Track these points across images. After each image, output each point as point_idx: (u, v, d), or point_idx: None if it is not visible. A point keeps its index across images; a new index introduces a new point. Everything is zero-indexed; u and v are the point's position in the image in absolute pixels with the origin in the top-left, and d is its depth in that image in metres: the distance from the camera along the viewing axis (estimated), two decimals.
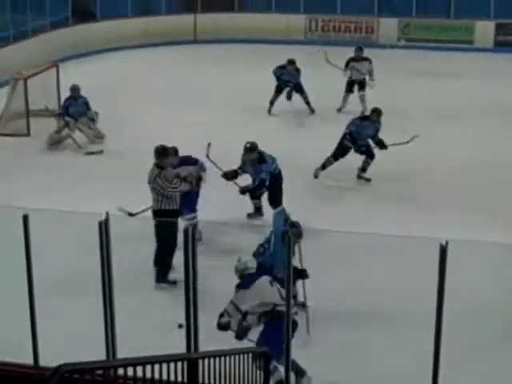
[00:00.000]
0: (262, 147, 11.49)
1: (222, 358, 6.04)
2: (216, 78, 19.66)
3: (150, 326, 8.57)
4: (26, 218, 6.60)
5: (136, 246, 10.10)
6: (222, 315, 7.71)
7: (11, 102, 16.63)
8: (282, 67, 17.10)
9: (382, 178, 13.17)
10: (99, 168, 14.02)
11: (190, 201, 10.69)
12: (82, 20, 23.69)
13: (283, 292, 6.95)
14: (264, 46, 23.03)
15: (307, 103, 17.21)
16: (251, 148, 11.45)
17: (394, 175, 13.30)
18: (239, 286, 7.82)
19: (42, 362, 6.75)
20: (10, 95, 16.72)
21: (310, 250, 8.65)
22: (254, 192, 11.62)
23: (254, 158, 11.43)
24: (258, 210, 11.93)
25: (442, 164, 13.75)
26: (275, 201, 11.28)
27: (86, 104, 15.45)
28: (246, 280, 7.83)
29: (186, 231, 6.18)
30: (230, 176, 11.49)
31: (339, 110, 17.19)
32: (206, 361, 5.87)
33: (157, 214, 9.99)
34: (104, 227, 6.47)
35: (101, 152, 15.01)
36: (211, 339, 6.65)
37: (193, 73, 20.22)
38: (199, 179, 10.63)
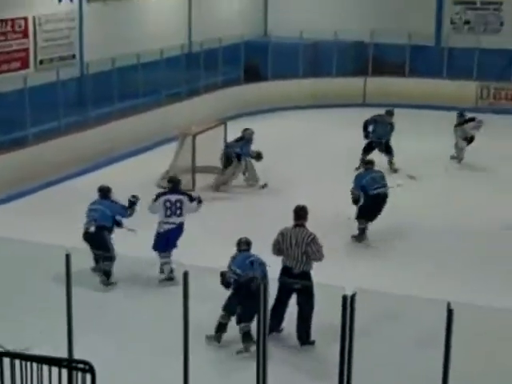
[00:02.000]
0: None
1: None
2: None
3: None
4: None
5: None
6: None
7: (178, 157, 16.97)
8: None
9: None
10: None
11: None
12: (252, 79, 24.15)
13: None
14: (432, 112, 22.65)
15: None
16: None
17: None
18: None
19: None
20: (178, 150, 17.06)
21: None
22: None
23: None
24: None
25: None
26: None
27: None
28: None
29: None
30: None
31: None
32: None
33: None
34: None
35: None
36: None
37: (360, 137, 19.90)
38: None
